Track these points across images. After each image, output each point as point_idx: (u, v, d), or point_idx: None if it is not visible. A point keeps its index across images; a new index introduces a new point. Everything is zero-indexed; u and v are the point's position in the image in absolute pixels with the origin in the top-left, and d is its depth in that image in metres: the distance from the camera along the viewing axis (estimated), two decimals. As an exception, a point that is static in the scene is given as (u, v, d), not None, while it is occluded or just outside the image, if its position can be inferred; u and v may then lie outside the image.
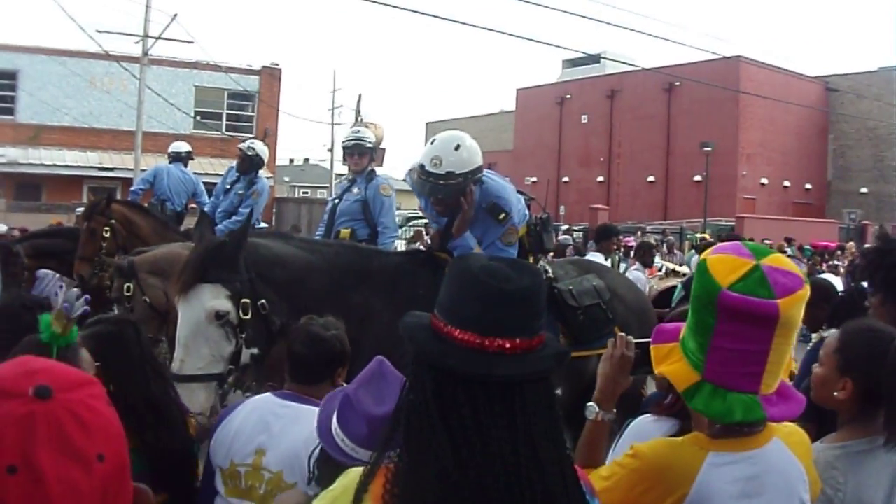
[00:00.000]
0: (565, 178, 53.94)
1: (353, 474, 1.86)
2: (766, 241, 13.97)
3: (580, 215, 38.53)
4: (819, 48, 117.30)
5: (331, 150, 51.93)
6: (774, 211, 45.04)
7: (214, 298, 4.24)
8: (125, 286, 6.32)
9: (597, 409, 2.58)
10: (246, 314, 4.30)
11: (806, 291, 2.19)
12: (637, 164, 50.74)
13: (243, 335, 4.32)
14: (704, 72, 42.43)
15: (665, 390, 2.52)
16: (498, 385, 1.79)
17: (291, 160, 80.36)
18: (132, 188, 12.61)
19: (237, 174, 10.64)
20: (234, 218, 10.01)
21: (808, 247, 28.70)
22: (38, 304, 3.38)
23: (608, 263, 10.70)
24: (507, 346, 1.80)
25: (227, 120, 36.14)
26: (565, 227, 31.31)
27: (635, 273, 11.02)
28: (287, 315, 4.42)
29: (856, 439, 2.78)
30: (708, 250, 2.39)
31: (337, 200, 8.28)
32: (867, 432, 2.78)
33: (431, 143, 5.48)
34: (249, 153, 10.53)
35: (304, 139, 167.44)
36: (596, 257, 10.98)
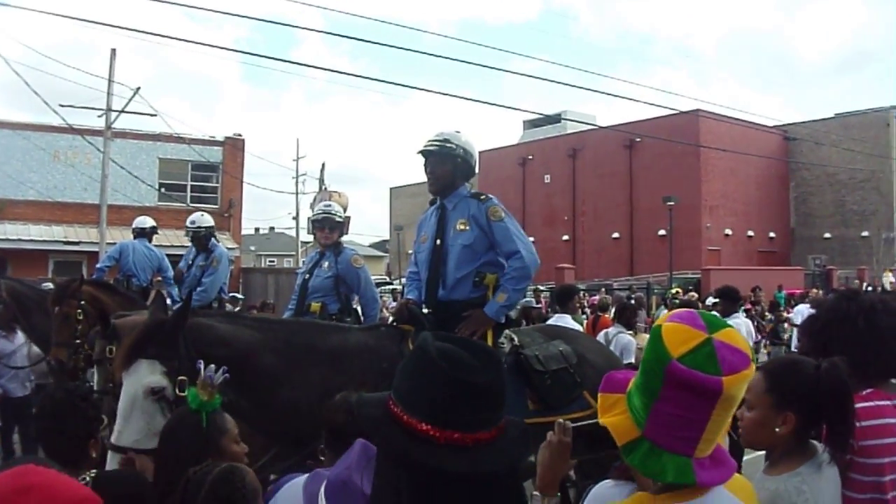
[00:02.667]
0: (531, 239, 54.02)
1: None
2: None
3: (547, 275, 38.54)
4: (776, 98, 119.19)
5: (296, 217, 51.94)
6: (740, 261, 45.43)
7: (151, 374, 4.29)
8: (108, 348, 6.33)
9: (541, 498, 2.64)
10: (182, 391, 4.24)
11: (751, 371, 2.25)
12: (601, 222, 51.09)
13: None
14: (664, 127, 42.93)
15: None
16: (467, 476, 1.83)
17: (257, 229, 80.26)
18: (98, 265, 12.66)
19: (196, 250, 10.75)
20: (198, 289, 10.02)
21: (782, 293, 28.86)
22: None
23: (576, 325, 10.74)
24: (473, 439, 1.85)
25: (191, 191, 35.98)
26: (532, 287, 31.35)
27: (623, 338, 10.95)
28: (231, 395, 4.36)
29: (804, 464, 2.86)
30: (664, 316, 2.45)
31: (307, 276, 8.28)
32: (807, 454, 2.89)
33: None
34: (195, 230, 10.74)
35: (269, 208, 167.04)
36: (563, 319, 10.80)
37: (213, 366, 3.54)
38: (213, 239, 10.81)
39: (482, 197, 6.13)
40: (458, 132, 6.31)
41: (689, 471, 2.24)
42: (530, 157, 56.20)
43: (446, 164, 6.14)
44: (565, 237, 53.24)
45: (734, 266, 41.40)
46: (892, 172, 46.45)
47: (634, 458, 2.29)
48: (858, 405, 3.10)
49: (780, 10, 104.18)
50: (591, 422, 2.60)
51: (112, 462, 4.04)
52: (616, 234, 50.54)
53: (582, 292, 26.07)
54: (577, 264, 46.39)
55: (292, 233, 54.47)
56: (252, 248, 71.46)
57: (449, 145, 6.12)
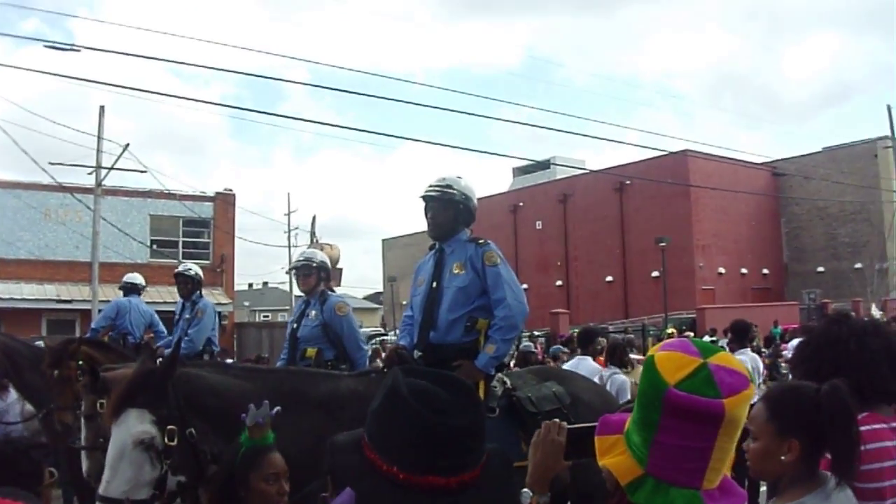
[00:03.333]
0: (524, 286, 54.00)
1: None
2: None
3: (541, 320, 38.53)
4: (761, 134, 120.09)
5: (289, 272, 51.91)
6: (734, 299, 45.26)
7: (140, 423, 4.29)
8: (98, 402, 6.32)
9: (531, 495, 2.56)
10: (172, 440, 4.31)
11: (751, 391, 2.21)
12: (594, 266, 51.07)
13: (168, 461, 4.33)
14: (653, 168, 43.21)
15: (612, 486, 2.54)
16: None
17: (250, 284, 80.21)
18: (93, 325, 12.61)
19: (183, 302, 10.73)
20: (184, 340, 10.00)
21: (778, 328, 28.79)
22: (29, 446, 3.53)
23: (597, 367, 10.75)
24: (457, 482, 1.84)
25: (183, 247, 36.09)
26: (527, 333, 31.30)
27: (618, 378, 10.66)
28: (222, 445, 4.41)
29: (813, 492, 2.80)
30: (655, 346, 2.41)
31: (295, 325, 8.29)
32: (817, 482, 2.82)
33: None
34: (190, 273, 10.73)
35: (261, 263, 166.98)
36: (584, 361, 10.87)
37: (266, 402, 3.71)
38: (198, 291, 10.75)
39: (480, 241, 6.12)
40: (459, 177, 6.31)
41: (698, 501, 2.18)
42: (521, 203, 56.29)
43: (448, 210, 6.15)
44: (559, 283, 53.22)
45: (729, 304, 41.29)
46: (882, 203, 46.41)
47: (640, 496, 2.23)
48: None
49: (761, 47, 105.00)
50: (586, 425, 2.57)
51: None
52: (609, 278, 50.49)
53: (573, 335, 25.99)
54: (571, 309, 46.31)
55: (285, 287, 54.52)
56: (246, 303, 71.32)
57: (450, 191, 6.13)
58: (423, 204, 6.25)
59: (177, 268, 11.22)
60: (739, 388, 2.17)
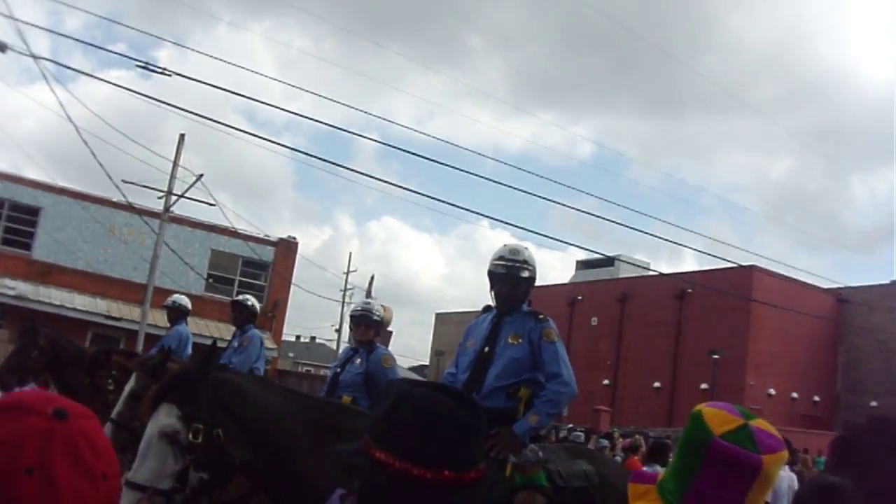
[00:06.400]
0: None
1: None
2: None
3: (583, 416, 38.20)
4: (823, 259, 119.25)
5: (338, 330, 52.05)
6: (781, 422, 44.33)
7: (167, 417, 4.47)
8: (149, 385, 6.64)
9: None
10: (196, 438, 4.45)
11: (785, 454, 2.32)
12: (644, 370, 50.53)
13: (191, 457, 4.45)
14: (716, 279, 42.84)
15: None
16: None
17: (298, 337, 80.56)
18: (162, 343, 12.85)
19: (235, 331, 10.97)
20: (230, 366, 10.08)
21: (821, 458, 28.26)
22: None
23: None
24: (463, 477, 1.90)
25: (238, 286, 36.19)
26: (569, 425, 31.04)
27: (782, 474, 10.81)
28: (253, 454, 4.61)
29: None
30: (702, 404, 2.48)
31: (339, 370, 8.34)
32: None
33: (503, 246, 6.27)
34: (248, 304, 10.96)
35: (310, 318, 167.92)
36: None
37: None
38: (251, 323, 10.88)
39: (540, 316, 6.12)
40: (526, 248, 6.33)
41: None
42: (580, 297, 56.13)
43: (516, 286, 6.14)
44: (605, 381, 52.65)
45: (775, 427, 40.54)
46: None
47: None
48: None
49: (827, 171, 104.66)
50: None
51: (125, 499, 4.24)
52: (657, 384, 49.92)
53: (617, 434, 25.92)
54: (614, 409, 45.82)
55: (333, 345, 54.60)
56: (291, 354, 71.63)
57: (518, 265, 6.12)
58: (492, 275, 6.20)
59: (229, 306, 11.46)
60: (777, 449, 2.28)
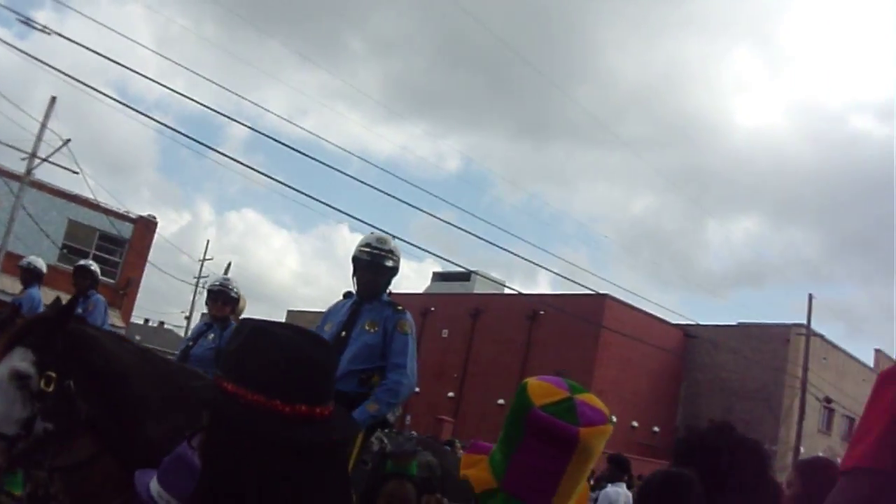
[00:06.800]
0: (416, 389, 53.71)
1: None
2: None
3: (426, 426, 38.44)
4: (673, 298, 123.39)
5: (188, 317, 51.09)
6: (619, 449, 45.15)
7: (21, 360, 4.27)
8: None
9: None
10: (48, 386, 4.26)
11: (608, 428, 2.34)
12: (489, 386, 50.72)
13: (40, 405, 4.27)
14: (570, 304, 43.42)
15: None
16: (314, 448, 1.90)
17: (146, 320, 78.49)
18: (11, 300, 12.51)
19: (77, 298, 10.74)
20: None
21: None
22: None
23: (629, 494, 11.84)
24: (317, 411, 1.90)
25: (93, 260, 35.23)
26: (413, 433, 31.06)
27: (616, 489, 11.85)
28: (102, 410, 4.44)
29: None
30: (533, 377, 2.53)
31: (191, 343, 8.43)
32: None
33: (370, 234, 6.60)
34: (91, 268, 11.07)
35: (161, 302, 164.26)
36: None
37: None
38: (93, 289, 10.87)
39: (399, 308, 6.35)
40: (391, 239, 6.57)
41: None
42: (433, 308, 56.31)
43: (379, 274, 6.36)
44: (451, 394, 52.77)
45: (610, 451, 41.47)
46: (784, 387, 47.49)
47: None
48: None
49: (683, 214, 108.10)
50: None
51: None
52: (501, 401, 50.28)
53: (459, 445, 26.13)
54: (457, 421, 46.13)
55: (181, 332, 53.53)
56: (138, 337, 69.47)
57: (383, 254, 6.34)
58: (356, 261, 6.39)
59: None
60: (598, 422, 2.30)
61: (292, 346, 1.88)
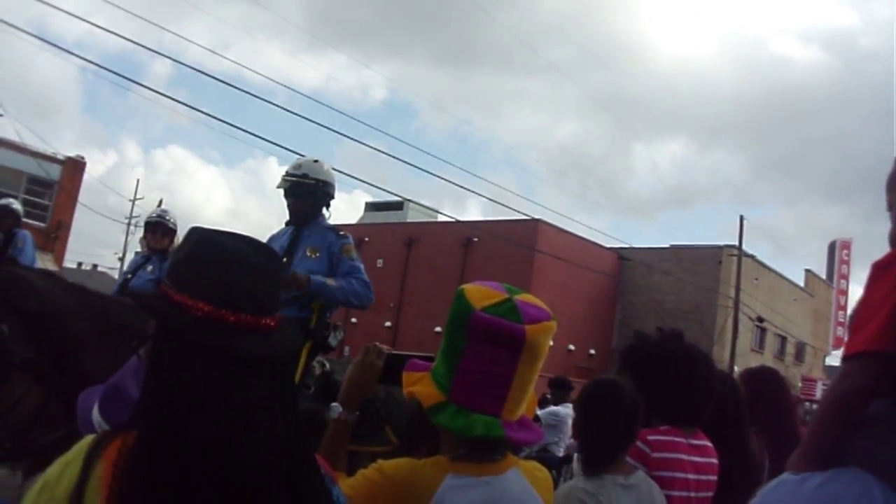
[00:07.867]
0: (353, 320, 53.81)
1: (89, 439, 1.79)
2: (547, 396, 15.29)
3: (364, 354, 38.52)
4: (602, 221, 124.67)
5: (121, 258, 50.44)
6: (556, 372, 45.79)
7: None
8: None
9: (340, 409, 2.70)
10: None
11: (553, 325, 2.39)
12: (426, 314, 50.80)
13: None
14: (503, 229, 43.57)
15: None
16: (261, 359, 1.85)
17: (80, 263, 77.21)
18: None
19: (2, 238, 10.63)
20: None
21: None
22: None
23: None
24: (262, 322, 1.86)
25: (23, 205, 34.49)
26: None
27: (565, 410, 11.95)
28: (37, 352, 4.40)
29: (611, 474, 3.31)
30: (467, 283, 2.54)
31: (129, 276, 8.42)
32: (622, 469, 3.36)
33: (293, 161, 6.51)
34: (13, 207, 10.93)
35: (93, 245, 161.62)
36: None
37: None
38: (17, 227, 10.78)
39: (341, 233, 6.42)
40: (316, 161, 6.52)
41: (497, 426, 2.28)
42: (367, 239, 56.00)
43: (305, 198, 6.36)
44: (388, 324, 52.95)
45: (548, 374, 42.01)
46: (717, 307, 48.25)
47: (441, 418, 2.31)
48: (653, 437, 3.53)
49: (610, 138, 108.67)
50: (404, 353, 2.80)
51: None
52: (438, 329, 50.43)
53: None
54: (396, 349, 46.33)
55: (115, 274, 52.76)
56: (71, 280, 68.67)
57: (307, 181, 6.35)
58: (282, 190, 6.42)
59: None
60: (541, 319, 2.34)
61: (239, 254, 1.85)
